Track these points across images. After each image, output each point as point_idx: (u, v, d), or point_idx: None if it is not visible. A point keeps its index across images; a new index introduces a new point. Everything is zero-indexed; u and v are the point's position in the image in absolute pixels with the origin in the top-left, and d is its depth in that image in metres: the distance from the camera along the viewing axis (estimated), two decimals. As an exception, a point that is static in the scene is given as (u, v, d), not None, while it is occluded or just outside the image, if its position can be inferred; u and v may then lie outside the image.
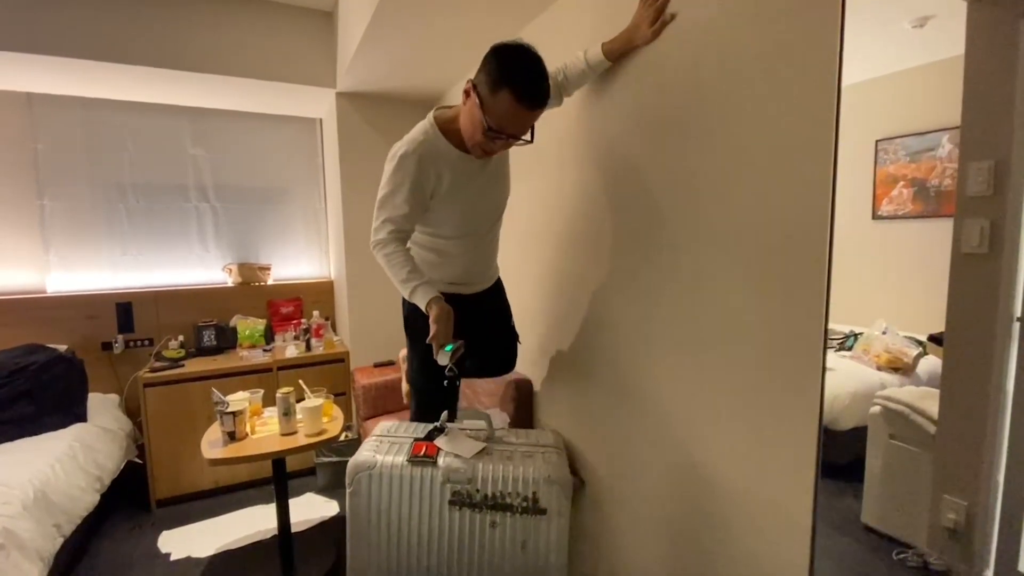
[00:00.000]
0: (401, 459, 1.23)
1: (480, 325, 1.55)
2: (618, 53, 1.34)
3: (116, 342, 2.78)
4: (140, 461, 2.56)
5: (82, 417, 2.36)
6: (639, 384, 1.39)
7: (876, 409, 1.98)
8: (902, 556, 1.78)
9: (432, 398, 1.44)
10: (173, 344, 2.81)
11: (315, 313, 3.09)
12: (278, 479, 1.88)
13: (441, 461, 1.22)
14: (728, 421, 1.11)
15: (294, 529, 2.10)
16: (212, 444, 1.76)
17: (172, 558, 2.14)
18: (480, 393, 2.04)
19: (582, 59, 1.39)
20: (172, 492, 2.55)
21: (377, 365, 2.90)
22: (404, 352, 1.80)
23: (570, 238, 1.71)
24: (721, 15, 1.07)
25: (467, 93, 1.23)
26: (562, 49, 1.67)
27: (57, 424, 2.25)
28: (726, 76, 1.07)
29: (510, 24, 1.90)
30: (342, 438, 1.99)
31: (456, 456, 1.24)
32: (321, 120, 3.33)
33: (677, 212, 1.22)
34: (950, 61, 2.32)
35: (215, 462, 1.69)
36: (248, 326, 3.00)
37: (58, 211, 2.76)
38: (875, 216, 2.78)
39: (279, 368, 2.74)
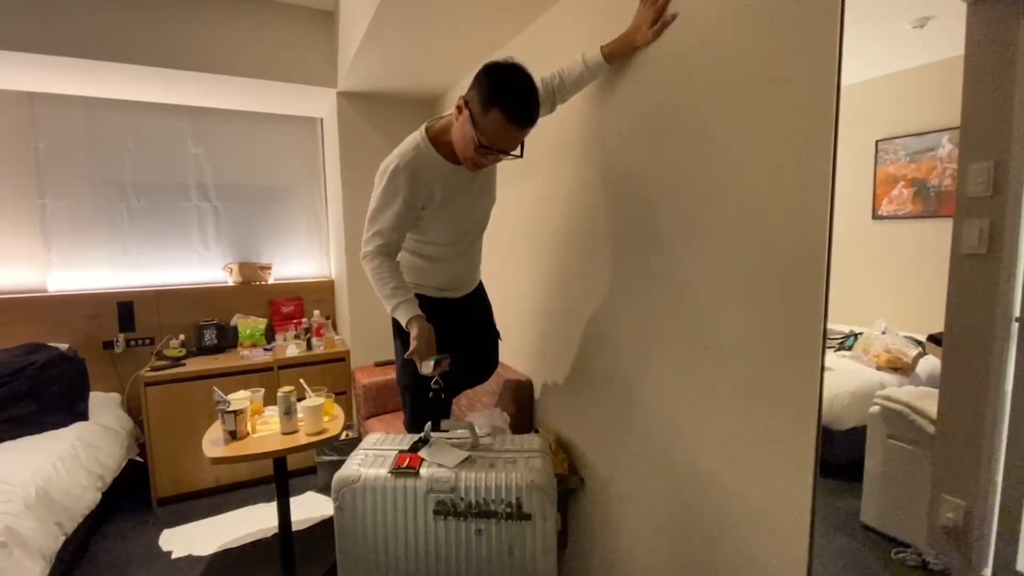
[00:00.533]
0: (384, 471, 1.24)
1: (467, 326, 1.64)
2: (618, 55, 1.35)
3: (117, 341, 2.79)
4: (141, 460, 2.57)
5: (84, 416, 2.37)
6: (638, 384, 1.40)
7: (875, 409, 1.99)
8: (901, 555, 1.78)
9: (423, 399, 1.46)
10: (174, 343, 2.82)
11: (316, 312, 3.09)
12: (279, 478, 1.88)
13: (424, 471, 1.23)
14: (727, 420, 1.11)
15: (295, 528, 2.10)
16: (214, 443, 1.76)
17: (173, 556, 2.15)
18: (480, 393, 2.04)
19: (580, 62, 1.39)
20: (173, 490, 2.56)
21: (377, 364, 2.91)
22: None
23: (570, 238, 1.71)
24: (722, 16, 1.07)
25: (459, 109, 1.26)
26: (560, 51, 1.68)
27: (59, 423, 2.26)
28: (726, 76, 1.07)
29: (510, 26, 1.90)
30: (343, 437, 1.99)
31: (439, 466, 1.25)
32: (322, 120, 3.33)
33: (677, 212, 1.23)
34: (950, 61, 2.33)
35: (217, 461, 1.70)
36: (249, 325, 3.00)
37: (59, 210, 2.76)
38: (875, 216, 2.78)
39: (280, 367, 2.74)
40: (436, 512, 1.22)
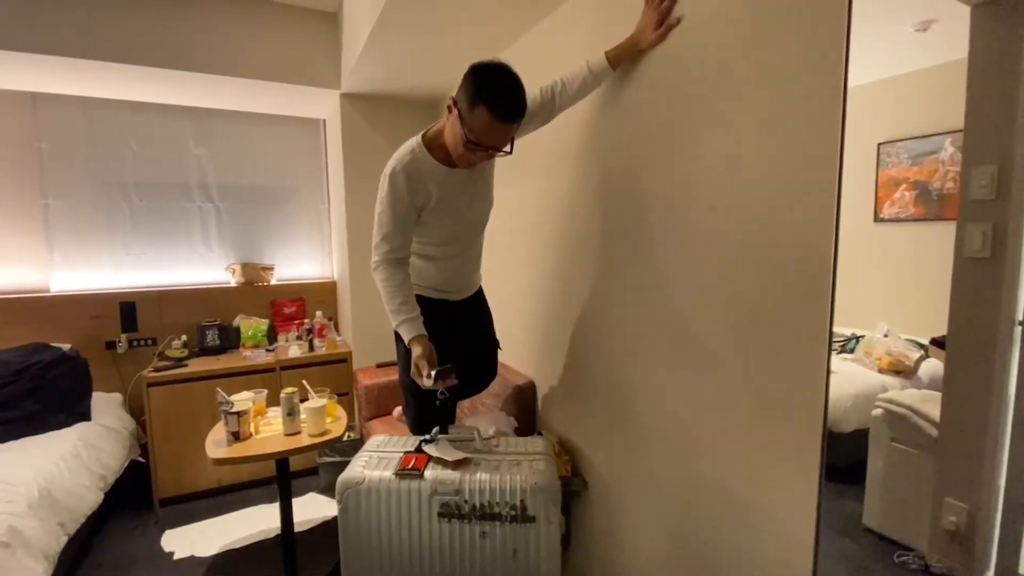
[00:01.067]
0: (388, 473, 1.24)
1: (466, 331, 1.66)
2: (623, 59, 1.35)
3: (120, 341, 2.79)
4: (143, 460, 2.57)
5: (86, 416, 2.37)
6: (642, 386, 1.40)
7: (878, 412, 1.99)
8: (903, 559, 1.78)
9: (428, 402, 1.46)
10: (176, 344, 2.82)
11: (318, 313, 3.09)
12: (282, 479, 1.88)
13: (428, 473, 1.23)
14: (731, 424, 1.11)
15: (297, 529, 2.10)
16: (216, 444, 1.76)
17: (175, 557, 2.15)
18: (484, 395, 2.04)
19: (584, 67, 1.40)
20: (175, 491, 2.56)
21: (379, 365, 2.91)
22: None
23: (573, 242, 1.72)
24: (727, 19, 1.08)
25: (449, 109, 1.30)
26: (563, 54, 1.68)
27: (61, 423, 2.26)
28: (732, 79, 1.07)
29: (513, 28, 1.91)
30: (345, 438, 1.99)
31: (442, 465, 1.25)
32: (325, 121, 3.34)
33: (683, 215, 1.23)
34: (953, 65, 2.33)
35: (220, 461, 1.70)
36: (251, 326, 3.00)
37: (62, 210, 2.77)
38: (877, 219, 2.78)
39: (282, 368, 2.74)
40: (440, 514, 1.22)
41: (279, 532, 1.95)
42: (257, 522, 2.41)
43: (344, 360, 2.91)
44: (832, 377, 0.93)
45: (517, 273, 2.11)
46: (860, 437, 2.06)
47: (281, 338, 3.07)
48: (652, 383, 1.36)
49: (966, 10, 1.55)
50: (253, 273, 3.13)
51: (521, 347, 2.08)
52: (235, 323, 3.02)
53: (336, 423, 1.91)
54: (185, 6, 2.40)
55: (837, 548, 1.89)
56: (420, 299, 1.46)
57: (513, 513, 1.20)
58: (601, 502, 1.61)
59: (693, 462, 1.23)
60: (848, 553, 1.87)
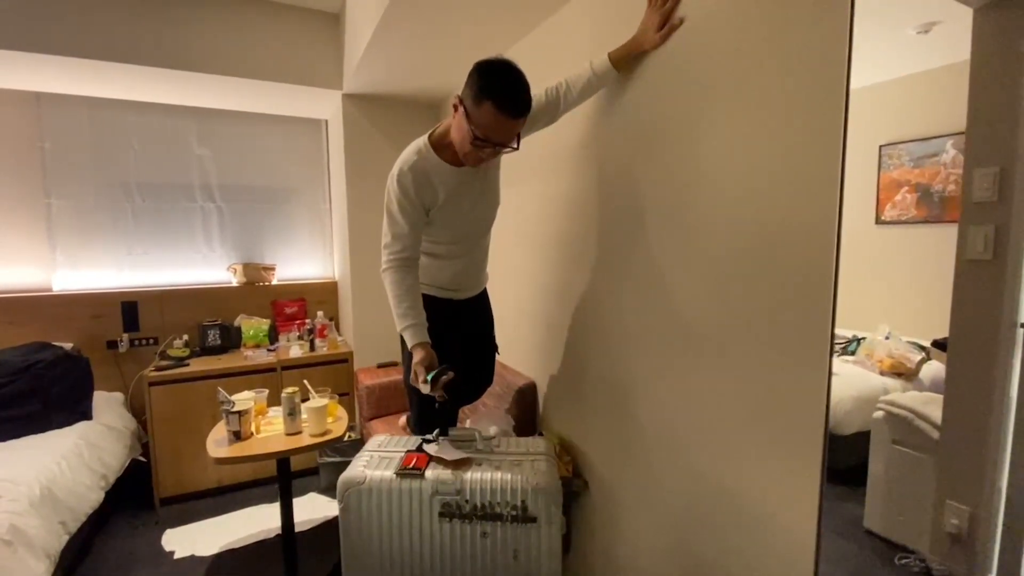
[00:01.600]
0: (390, 473, 1.24)
1: (467, 331, 1.66)
2: (626, 60, 1.35)
3: (121, 341, 2.80)
4: (144, 459, 2.57)
5: (87, 415, 2.37)
6: (643, 387, 1.40)
7: (879, 414, 1.98)
8: (904, 561, 1.78)
9: (430, 401, 1.46)
10: (178, 343, 2.83)
11: (319, 313, 3.10)
12: (283, 478, 1.88)
13: (429, 473, 1.23)
14: (733, 425, 1.12)
15: (297, 529, 2.10)
16: (218, 443, 1.77)
17: (176, 556, 2.15)
18: (485, 396, 2.04)
19: (588, 69, 1.40)
20: (176, 490, 2.56)
21: (380, 366, 2.91)
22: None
23: (574, 242, 1.72)
24: (730, 21, 1.08)
25: (455, 107, 1.30)
26: (565, 55, 1.68)
27: (63, 422, 2.26)
28: (734, 81, 1.08)
29: (516, 28, 1.91)
30: (346, 438, 2.00)
31: (443, 465, 1.25)
32: (327, 121, 3.34)
33: (684, 217, 1.23)
34: (955, 67, 2.33)
35: (221, 461, 1.70)
36: (252, 326, 3.01)
37: (64, 210, 2.77)
38: (878, 221, 2.78)
39: (283, 368, 2.75)
40: (441, 514, 1.22)
41: (280, 532, 1.95)
42: (258, 522, 2.41)
43: (345, 360, 2.92)
44: (833, 379, 0.93)
45: (518, 274, 2.12)
46: (861, 439, 2.05)
47: (282, 338, 3.07)
48: (653, 384, 1.36)
49: (968, 12, 1.56)
50: (254, 273, 3.14)
51: (522, 347, 2.08)
52: (236, 323, 3.03)
53: (337, 423, 1.91)
54: (189, 7, 2.41)
55: (838, 550, 1.89)
56: (425, 297, 1.46)
57: (514, 513, 1.20)
58: (602, 503, 1.61)
59: (694, 464, 1.23)
60: (849, 555, 1.87)
